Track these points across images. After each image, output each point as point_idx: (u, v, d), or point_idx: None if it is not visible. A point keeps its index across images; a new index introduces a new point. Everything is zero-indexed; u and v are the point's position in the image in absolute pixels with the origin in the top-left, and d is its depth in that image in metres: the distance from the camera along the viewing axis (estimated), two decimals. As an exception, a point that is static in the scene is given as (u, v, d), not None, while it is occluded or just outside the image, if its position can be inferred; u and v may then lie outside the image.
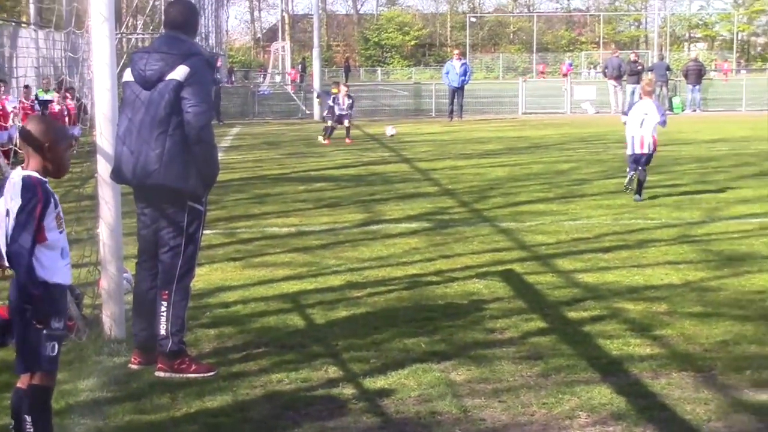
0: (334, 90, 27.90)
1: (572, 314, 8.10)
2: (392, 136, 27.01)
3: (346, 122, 26.22)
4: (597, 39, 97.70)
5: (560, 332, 7.56)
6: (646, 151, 14.57)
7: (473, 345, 7.25)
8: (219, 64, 40.19)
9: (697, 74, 38.63)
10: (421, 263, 10.24)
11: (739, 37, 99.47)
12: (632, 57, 39.52)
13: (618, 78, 37.69)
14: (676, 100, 38.83)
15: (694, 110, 37.94)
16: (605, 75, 39.44)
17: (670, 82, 39.64)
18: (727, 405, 6.02)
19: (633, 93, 37.56)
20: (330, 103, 26.93)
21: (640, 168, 14.53)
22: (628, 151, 14.74)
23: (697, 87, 38.53)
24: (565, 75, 47.87)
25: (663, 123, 14.70)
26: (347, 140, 25.74)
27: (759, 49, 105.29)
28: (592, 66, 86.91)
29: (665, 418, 5.86)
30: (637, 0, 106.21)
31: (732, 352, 7.01)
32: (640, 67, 38.66)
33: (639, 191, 14.51)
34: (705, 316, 7.94)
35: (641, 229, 12.02)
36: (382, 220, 13.14)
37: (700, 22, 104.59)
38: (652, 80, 16.55)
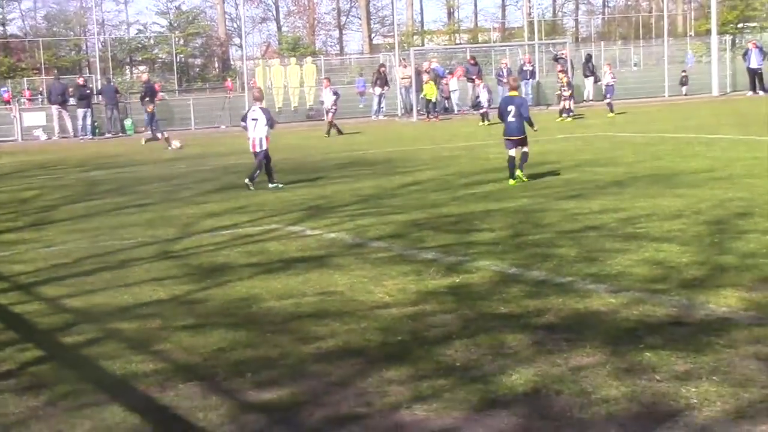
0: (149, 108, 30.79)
1: (68, 339, 7.96)
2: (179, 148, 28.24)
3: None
4: (38, 65, 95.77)
5: (60, 358, 7.42)
6: (257, 150, 17.68)
7: (-31, 383, 6.90)
8: None
9: (152, 95, 39.36)
10: None
11: (178, 59, 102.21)
12: (80, 81, 39.30)
13: (63, 104, 37.56)
14: (128, 122, 39.28)
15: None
16: (50, 101, 39.02)
17: (120, 104, 39.93)
18: (236, 408, 6.24)
19: (85, 116, 37.49)
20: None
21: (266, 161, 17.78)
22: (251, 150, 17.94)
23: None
24: (7, 101, 46.20)
25: (271, 126, 17.88)
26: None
27: (197, 69, 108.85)
28: (37, 92, 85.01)
29: (182, 429, 5.98)
30: (76, 24, 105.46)
31: (230, 358, 7.26)
32: (88, 91, 38.61)
33: (270, 180, 17.73)
34: (199, 327, 8.16)
35: (120, 250, 12.05)
36: None
37: (140, 46, 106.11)
38: (261, 89, 20.51)
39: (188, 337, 7.88)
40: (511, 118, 16.37)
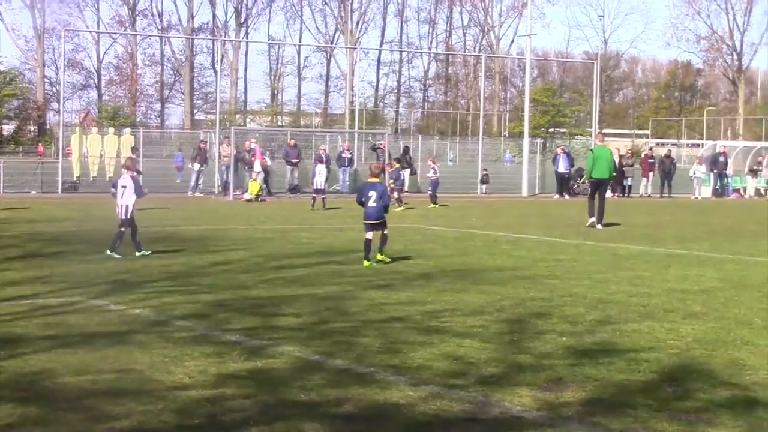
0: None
1: None
2: None
3: None
4: None
5: None
6: (126, 217, 17.94)
7: None
8: None
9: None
10: None
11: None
12: None
13: None
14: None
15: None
16: None
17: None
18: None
19: None
20: None
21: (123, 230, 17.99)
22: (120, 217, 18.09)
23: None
24: None
25: (139, 195, 18.26)
26: None
27: (11, 132, 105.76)
28: None
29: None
30: None
31: (17, 436, 7.03)
32: None
33: (137, 248, 17.91)
34: (-14, 401, 7.86)
35: None
36: None
37: None
38: (133, 158, 21.01)
39: (-35, 412, 7.56)
40: (372, 203, 17.32)
